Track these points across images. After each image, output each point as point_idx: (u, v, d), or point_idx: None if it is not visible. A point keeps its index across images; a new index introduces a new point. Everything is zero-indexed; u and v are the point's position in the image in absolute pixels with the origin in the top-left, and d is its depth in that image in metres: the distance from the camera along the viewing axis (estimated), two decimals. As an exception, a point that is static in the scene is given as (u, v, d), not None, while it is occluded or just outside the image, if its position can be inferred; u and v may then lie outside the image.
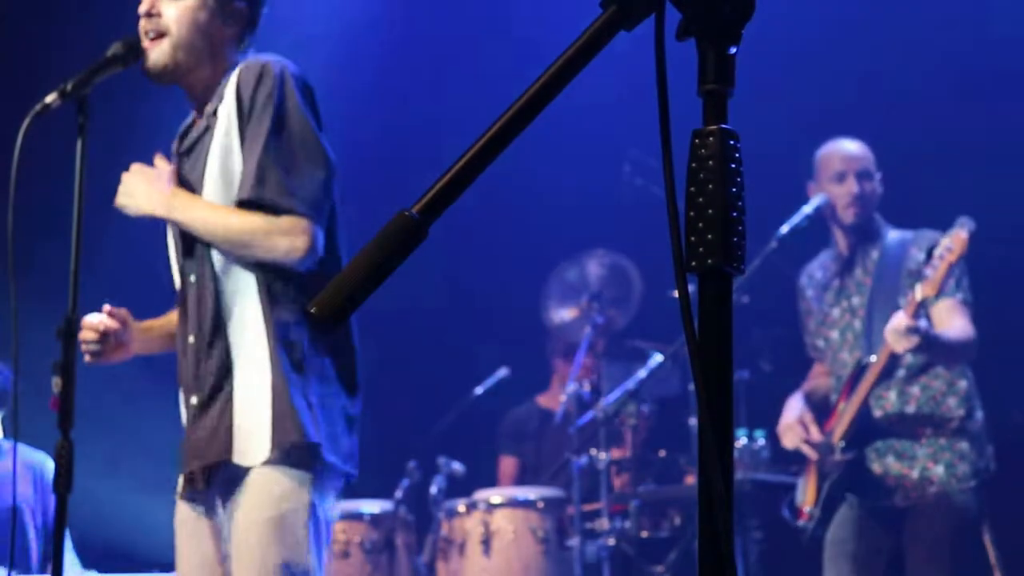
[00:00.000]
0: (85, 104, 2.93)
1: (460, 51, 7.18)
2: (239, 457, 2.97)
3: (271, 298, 2.99)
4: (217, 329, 3.02)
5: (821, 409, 4.78)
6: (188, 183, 3.11)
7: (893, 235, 4.73)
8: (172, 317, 3.27)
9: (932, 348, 4.44)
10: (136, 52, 3.07)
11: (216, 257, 3.04)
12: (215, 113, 3.09)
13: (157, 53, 3.09)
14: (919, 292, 4.32)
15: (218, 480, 3.02)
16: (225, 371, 3.01)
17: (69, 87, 2.93)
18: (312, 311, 1.19)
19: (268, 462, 2.94)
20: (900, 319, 4.34)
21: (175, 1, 3.09)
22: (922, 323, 4.32)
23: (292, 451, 2.94)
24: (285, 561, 2.91)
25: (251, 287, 3.01)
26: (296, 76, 3.04)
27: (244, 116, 3.01)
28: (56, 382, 2.82)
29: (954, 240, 4.34)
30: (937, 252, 4.35)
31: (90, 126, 2.92)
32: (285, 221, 2.94)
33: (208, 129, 3.11)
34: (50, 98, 2.93)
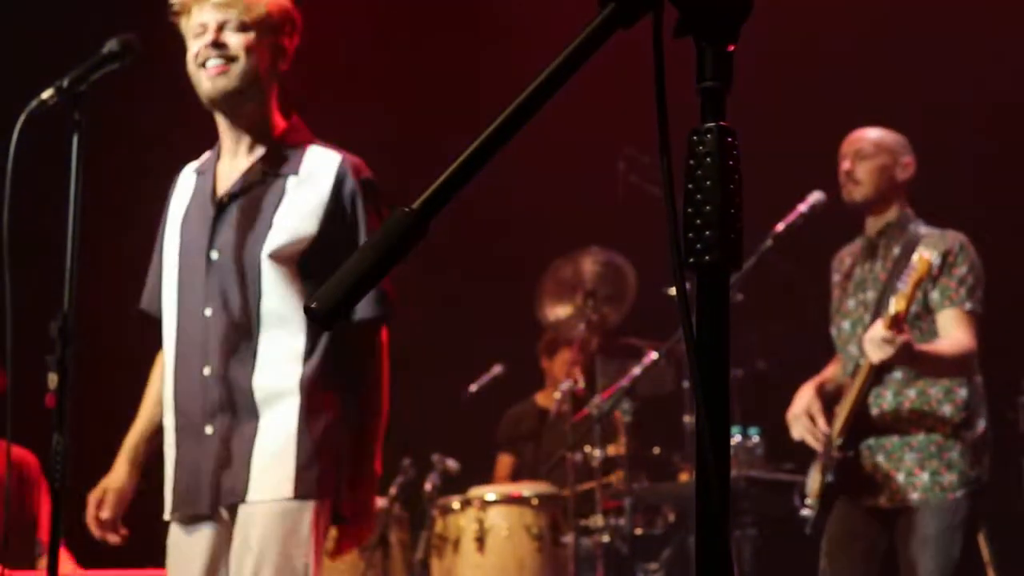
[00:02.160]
0: (81, 101, 2.94)
1: (459, 47, 7.18)
2: (255, 494, 3.05)
3: (313, 349, 3.11)
4: (245, 374, 3.09)
5: (835, 399, 4.78)
6: (239, 225, 3.15)
7: (921, 232, 4.68)
8: (139, 432, 3.39)
9: (914, 361, 4.42)
10: (133, 51, 3.07)
11: (266, 306, 3.11)
12: (277, 175, 3.18)
13: (226, 79, 3.14)
14: (893, 306, 4.32)
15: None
16: (251, 407, 3.09)
17: (65, 84, 2.93)
18: (312, 307, 1.19)
19: (279, 500, 3.05)
20: (877, 329, 4.32)
21: (239, 33, 3.15)
22: (901, 337, 4.29)
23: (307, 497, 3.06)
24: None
25: (299, 337, 3.11)
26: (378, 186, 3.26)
27: (344, 218, 3.17)
28: (52, 378, 2.82)
29: (919, 261, 4.34)
30: (907, 270, 4.37)
31: (86, 123, 2.92)
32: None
33: (266, 182, 3.18)
34: (46, 95, 2.93)
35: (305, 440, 3.05)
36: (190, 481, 3.10)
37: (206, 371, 3.10)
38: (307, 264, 3.12)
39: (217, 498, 3.07)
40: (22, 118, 2.89)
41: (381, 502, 6.03)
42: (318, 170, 3.20)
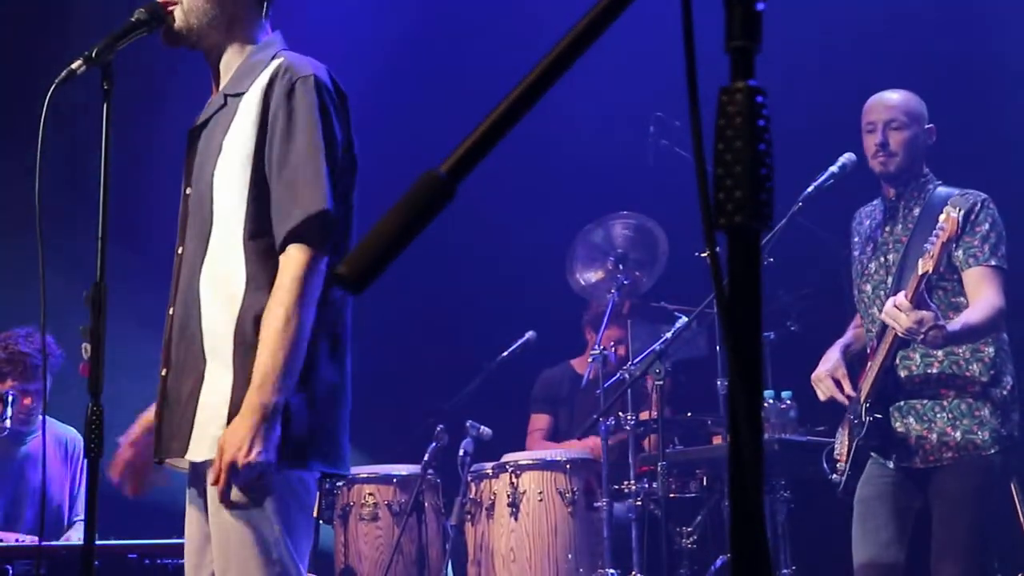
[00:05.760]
0: (110, 70, 2.93)
1: (482, 15, 7.16)
2: (192, 455, 2.94)
3: (255, 290, 2.92)
4: (195, 314, 2.98)
5: (860, 360, 4.76)
6: (200, 159, 3.10)
7: (940, 192, 4.64)
8: None
9: (949, 342, 4.39)
10: (160, 17, 3.07)
11: (215, 234, 2.99)
12: (235, 95, 3.07)
13: (172, 19, 3.10)
14: (920, 267, 4.29)
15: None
16: (196, 359, 2.96)
17: (94, 53, 2.93)
18: (341, 272, 1.19)
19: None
20: (901, 298, 4.31)
21: None
22: (926, 314, 4.26)
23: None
24: (253, 542, 2.85)
25: (239, 272, 2.95)
26: (328, 88, 3.00)
27: (269, 127, 2.98)
28: (85, 348, 2.83)
29: (947, 220, 4.30)
30: (935, 229, 4.33)
31: (115, 92, 2.92)
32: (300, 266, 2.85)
33: (223, 108, 3.09)
34: (75, 64, 2.92)
35: (240, 400, 2.82)
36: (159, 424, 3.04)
37: (169, 311, 3.05)
38: (255, 187, 2.95)
39: (160, 447, 3.00)
40: (52, 88, 2.89)
41: (415, 468, 6.05)
42: (259, 79, 3.05)
